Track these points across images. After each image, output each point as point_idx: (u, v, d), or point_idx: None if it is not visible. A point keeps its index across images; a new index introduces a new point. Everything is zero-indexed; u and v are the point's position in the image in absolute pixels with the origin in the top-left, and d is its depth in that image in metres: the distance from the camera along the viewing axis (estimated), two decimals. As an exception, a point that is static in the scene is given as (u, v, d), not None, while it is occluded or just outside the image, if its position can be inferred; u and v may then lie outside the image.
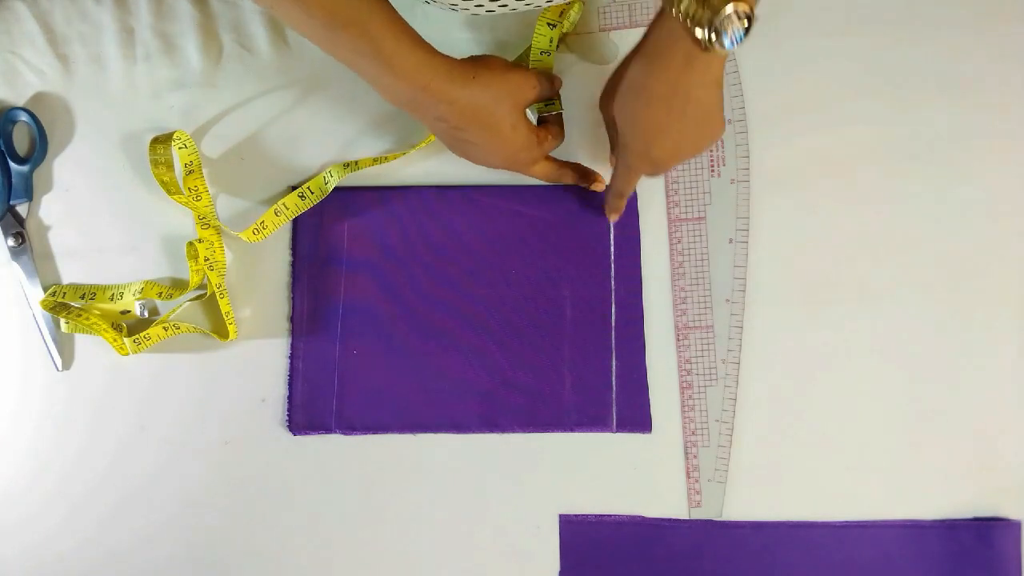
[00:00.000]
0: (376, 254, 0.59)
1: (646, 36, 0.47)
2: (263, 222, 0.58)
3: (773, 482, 0.57)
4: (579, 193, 0.59)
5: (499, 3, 0.48)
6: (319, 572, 0.57)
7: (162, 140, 0.58)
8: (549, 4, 0.51)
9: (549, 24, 0.57)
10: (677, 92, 0.45)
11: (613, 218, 0.59)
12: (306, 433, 0.58)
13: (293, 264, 0.59)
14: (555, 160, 0.57)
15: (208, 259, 0.57)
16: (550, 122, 0.57)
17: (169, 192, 0.58)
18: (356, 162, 0.59)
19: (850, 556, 0.56)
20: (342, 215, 0.60)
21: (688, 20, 0.40)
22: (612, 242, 0.59)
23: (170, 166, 0.59)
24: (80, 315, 0.57)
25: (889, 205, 0.59)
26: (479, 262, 0.59)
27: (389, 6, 0.47)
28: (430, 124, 0.51)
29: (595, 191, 0.58)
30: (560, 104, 0.57)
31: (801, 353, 0.58)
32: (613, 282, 0.59)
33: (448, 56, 0.49)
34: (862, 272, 0.58)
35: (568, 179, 0.58)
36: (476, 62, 0.50)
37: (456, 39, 0.61)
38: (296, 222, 0.60)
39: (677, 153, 0.50)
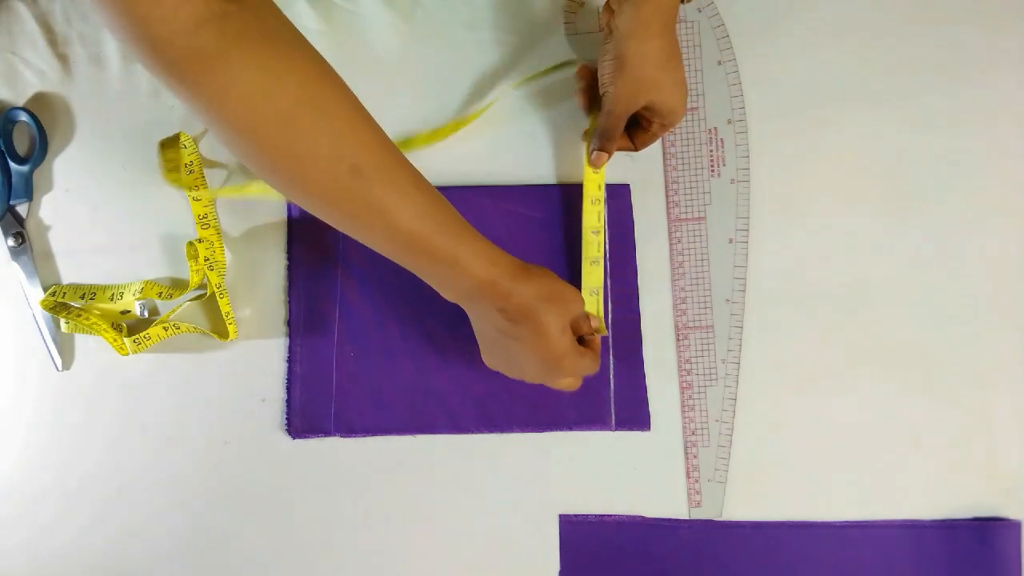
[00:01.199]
0: (372, 255, 0.59)
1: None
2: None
3: (773, 482, 0.57)
4: (575, 194, 0.59)
5: None
6: (319, 572, 0.57)
7: (170, 144, 0.58)
8: None
9: (594, 224, 0.58)
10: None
11: (601, 162, 0.57)
12: (305, 437, 0.58)
13: (289, 267, 0.59)
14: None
15: (208, 259, 0.57)
16: (590, 345, 0.54)
17: (189, 189, 0.58)
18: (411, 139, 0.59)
19: (850, 556, 0.56)
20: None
21: None
22: (607, 241, 0.59)
23: (180, 168, 0.59)
24: (80, 315, 0.57)
25: (889, 204, 0.59)
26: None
27: (446, 204, 0.48)
28: (487, 315, 0.50)
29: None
30: (604, 328, 0.56)
31: (801, 353, 0.58)
32: (608, 280, 0.59)
33: (506, 253, 0.50)
34: (862, 272, 0.58)
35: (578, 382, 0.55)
36: (531, 267, 0.51)
37: (457, 38, 0.61)
38: (291, 225, 0.60)
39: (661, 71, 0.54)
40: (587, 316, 0.53)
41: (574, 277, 0.58)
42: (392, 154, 0.46)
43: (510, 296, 0.48)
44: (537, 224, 0.59)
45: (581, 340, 0.53)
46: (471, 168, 0.58)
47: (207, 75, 0.40)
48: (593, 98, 0.59)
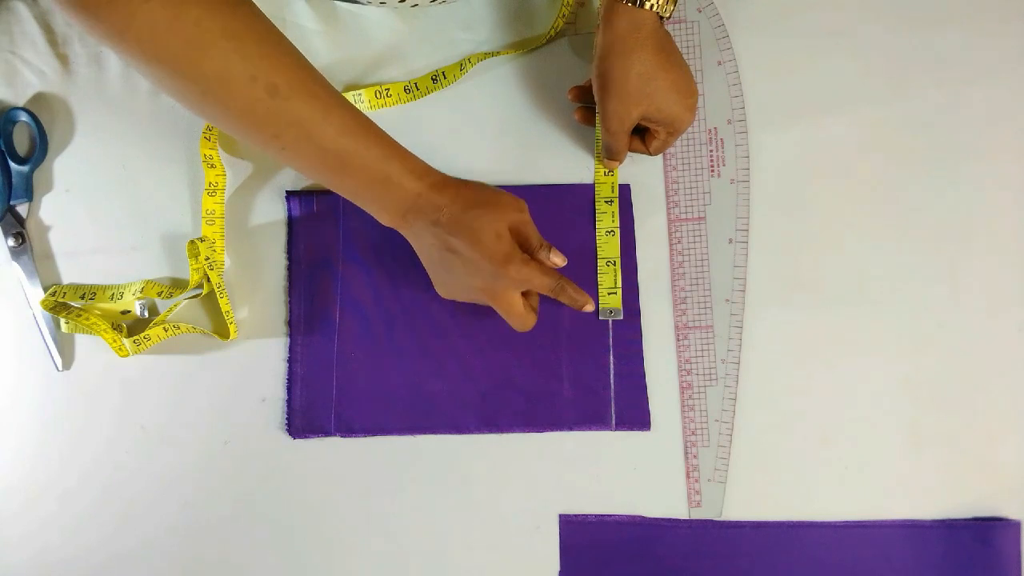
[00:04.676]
0: (372, 255, 0.59)
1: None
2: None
3: (773, 482, 0.57)
4: (574, 194, 0.59)
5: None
6: (319, 573, 0.57)
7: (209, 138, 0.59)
8: None
9: (606, 200, 0.59)
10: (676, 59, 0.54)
11: (612, 167, 0.59)
12: (305, 437, 0.58)
13: (289, 267, 0.59)
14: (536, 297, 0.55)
15: (209, 258, 0.57)
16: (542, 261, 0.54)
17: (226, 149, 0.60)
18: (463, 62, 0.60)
19: (850, 556, 0.56)
20: (337, 217, 0.60)
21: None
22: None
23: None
24: (80, 315, 0.57)
25: (889, 204, 0.59)
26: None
27: (370, 123, 0.49)
28: (424, 234, 0.51)
29: (586, 312, 0.55)
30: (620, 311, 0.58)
31: (801, 352, 0.58)
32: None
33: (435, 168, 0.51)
34: (862, 272, 0.58)
35: (532, 320, 0.54)
36: (464, 180, 0.52)
37: (456, 39, 0.62)
38: (291, 224, 0.60)
39: (651, 81, 0.53)
40: (531, 227, 0.52)
41: (587, 280, 0.58)
42: (310, 73, 0.47)
43: (442, 208, 0.49)
44: (547, 225, 0.59)
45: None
46: (467, 167, 0.58)
47: (107, 10, 0.40)
48: (592, 113, 0.59)
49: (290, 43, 0.46)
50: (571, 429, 0.57)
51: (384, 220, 0.51)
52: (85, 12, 0.40)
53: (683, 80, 0.54)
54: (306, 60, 0.47)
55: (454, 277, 0.52)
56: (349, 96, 0.60)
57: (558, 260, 0.52)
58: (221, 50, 0.43)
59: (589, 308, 0.54)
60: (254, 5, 0.45)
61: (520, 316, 0.53)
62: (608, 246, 0.58)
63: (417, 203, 0.50)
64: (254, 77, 0.44)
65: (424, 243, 0.52)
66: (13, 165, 0.60)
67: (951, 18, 0.60)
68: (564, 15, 0.60)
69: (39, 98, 0.61)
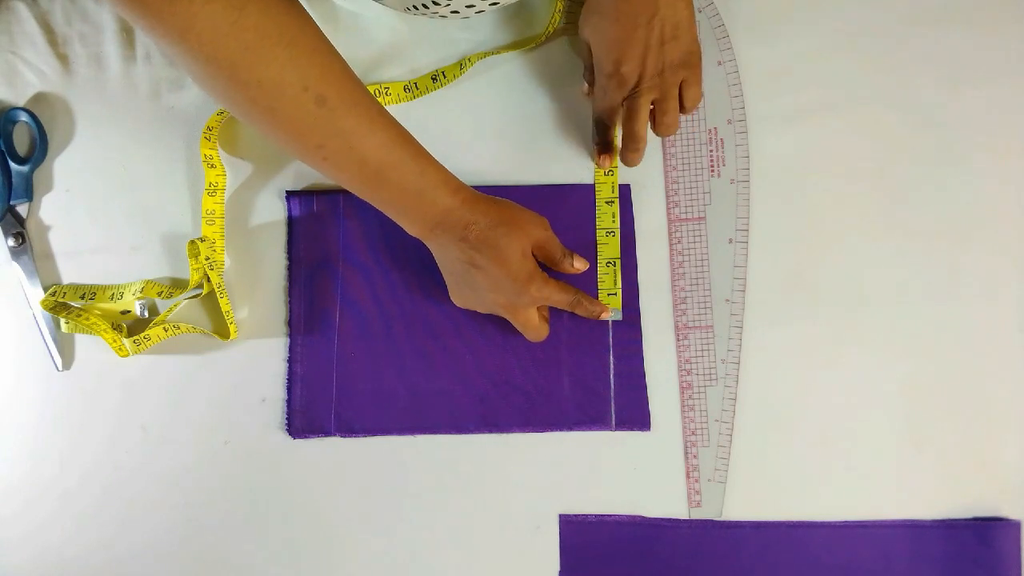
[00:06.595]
0: (372, 256, 0.59)
1: None
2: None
3: (773, 482, 0.57)
4: (574, 194, 0.59)
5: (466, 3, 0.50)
6: (319, 573, 0.57)
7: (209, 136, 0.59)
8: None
9: (607, 202, 0.59)
10: (643, 6, 0.51)
11: (604, 163, 0.59)
12: (305, 437, 0.58)
13: (289, 267, 0.59)
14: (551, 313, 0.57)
15: (208, 258, 0.57)
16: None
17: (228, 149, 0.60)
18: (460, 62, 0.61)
19: (850, 556, 0.56)
20: (337, 217, 0.60)
21: None
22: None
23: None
24: (80, 315, 0.57)
25: (889, 204, 0.59)
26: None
27: (409, 136, 0.49)
28: (451, 248, 0.51)
29: (599, 317, 0.56)
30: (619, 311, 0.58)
31: (801, 353, 0.58)
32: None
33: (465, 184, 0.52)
34: (862, 272, 0.58)
35: (546, 331, 0.56)
36: (491, 197, 0.52)
37: (456, 39, 0.62)
38: (291, 224, 0.60)
39: (645, 65, 0.53)
40: (555, 241, 0.53)
41: (587, 281, 0.58)
42: (357, 86, 0.47)
43: (470, 225, 0.50)
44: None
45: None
46: (468, 167, 0.58)
47: (170, 9, 0.40)
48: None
49: (337, 52, 0.46)
50: (571, 429, 0.57)
51: (412, 231, 0.52)
52: (146, 12, 0.40)
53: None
54: (351, 70, 0.47)
55: (475, 291, 0.53)
56: None
57: (580, 265, 0.54)
58: (276, 57, 0.43)
59: (606, 316, 0.56)
60: (305, 10, 0.45)
61: (536, 329, 0.55)
62: (608, 247, 0.58)
63: (448, 218, 0.50)
64: (306, 87, 0.44)
65: (449, 256, 0.52)
66: (13, 165, 0.60)
67: (952, 18, 0.60)
68: (560, 8, 0.60)
69: (39, 98, 0.61)
